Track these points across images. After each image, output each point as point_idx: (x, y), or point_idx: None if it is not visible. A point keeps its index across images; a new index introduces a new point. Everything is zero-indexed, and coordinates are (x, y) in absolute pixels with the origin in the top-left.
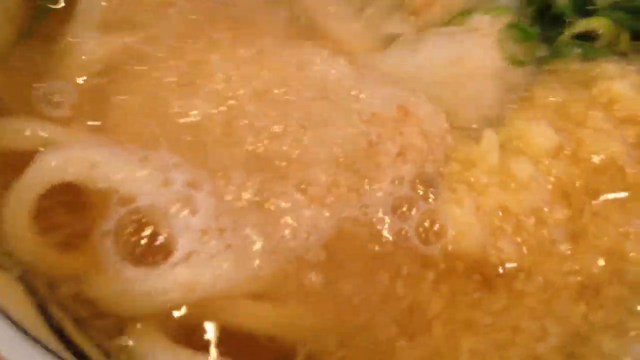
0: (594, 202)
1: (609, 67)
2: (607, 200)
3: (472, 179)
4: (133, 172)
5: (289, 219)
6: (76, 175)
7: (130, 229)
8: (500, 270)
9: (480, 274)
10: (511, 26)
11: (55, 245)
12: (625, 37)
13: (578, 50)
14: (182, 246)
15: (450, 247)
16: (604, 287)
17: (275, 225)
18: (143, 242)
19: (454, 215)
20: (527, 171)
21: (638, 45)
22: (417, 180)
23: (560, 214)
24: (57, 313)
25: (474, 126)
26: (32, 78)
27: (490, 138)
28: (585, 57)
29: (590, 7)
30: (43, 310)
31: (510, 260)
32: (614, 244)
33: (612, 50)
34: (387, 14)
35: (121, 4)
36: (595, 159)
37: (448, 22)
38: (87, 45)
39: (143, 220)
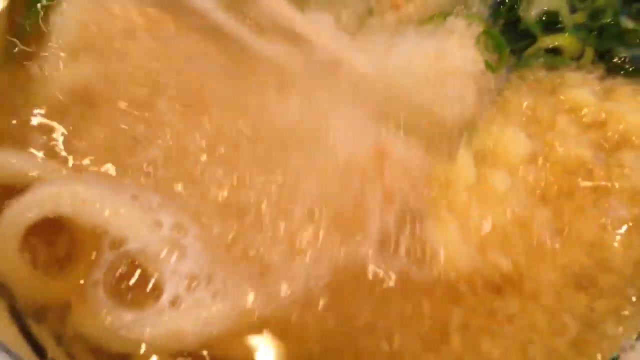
0: (570, 201)
1: (572, 75)
2: (582, 198)
3: (453, 199)
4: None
5: (276, 265)
6: (66, 209)
7: (119, 271)
8: (498, 280)
9: (482, 287)
10: (486, 33)
11: (45, 273)
12: (589, 54)
13: (542, 60)
14: (170, 291)
15: (445, 270)
16: (599, 276)
17: (263, 272)
18: (132, 284)
19: (441, 239)
20: (504, 182)
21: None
22: (403, 213)
23: (542, 216)
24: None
25: (451, 127)
26: (15, 106)
27: (464, 157)
28: (550, 67)
29: (557, 25)
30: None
31: (503, 268)
32: (595, 236)
33: (578, 64)
34: (362, 19)
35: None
36: (567, 161)
37: (424, 23)
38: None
39: (134, 263)
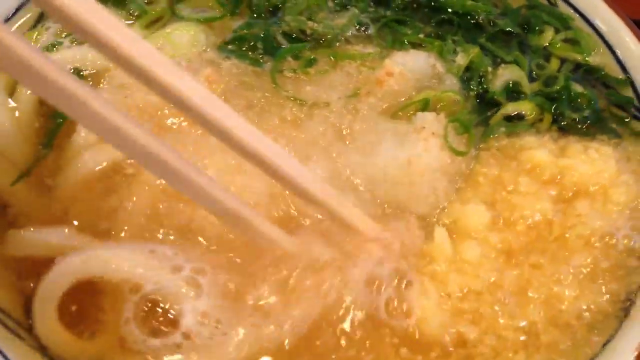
0: (531, 257)
1: (529, 139)
2: (542, 253)
3: (435, 270)
4: (142, 263)
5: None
6: (94, 272)
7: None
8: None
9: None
10: (453, 120)
11: (82, 335)
12: (547, 118)
13: (504, 129)
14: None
15: (413, 327)
16: (543, 332)
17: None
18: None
19: (420, 303)
20: (475, 252)
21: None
22: (395, 272)
23: (509, 275)
24: None
25: (428, 217)
26: (48, 188)
27: (440, 234)
28: (510, 133)
29: (519, 94)
30: None
31: (469, 337)
32: (550, 290)
33: (536, 128)
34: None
35: None
36: (528, 218)
37: (394, 114)
38: (88, 155)
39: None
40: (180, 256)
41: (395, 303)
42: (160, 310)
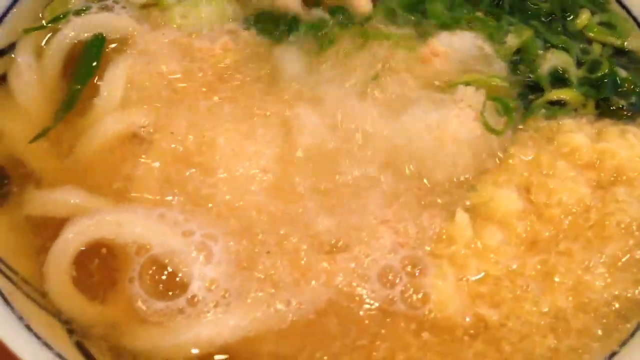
0: (561, 244)
1: (568, 122)
2: (575, 240)
3: (454, 253)
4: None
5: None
6: (105, 234)
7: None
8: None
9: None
10: (493, 98)
11: (95, 298)
12: (591, 104)
13: (544, 111)
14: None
15: (430, 312)
16: (572, 318)
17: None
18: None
19: (437, 287)
20: (496, 237)
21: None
22: (408, 259)
23: (531, 262)
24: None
25: (448, 186)
26: (67, 150)
27: (461, 217)
28: (549, 116)
29: (564, 80)
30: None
31: (489, 320)
32: (579, 277)
33: (578, 112)
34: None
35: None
36: (565, 203)
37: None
38: (109, 120)
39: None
40: (191, 222)
41: (411, 291)
42: (167, 274)
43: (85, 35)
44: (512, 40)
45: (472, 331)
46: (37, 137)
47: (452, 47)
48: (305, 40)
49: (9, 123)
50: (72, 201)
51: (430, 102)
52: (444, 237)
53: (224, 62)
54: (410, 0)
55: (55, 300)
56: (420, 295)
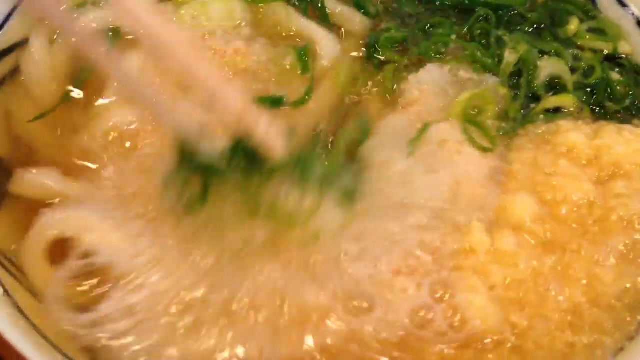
0: (573, 240)
1: (563, 122)
2: (582, 236)
3: (476, 264)
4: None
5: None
6: (72, 234)
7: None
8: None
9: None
10: (469, 122)
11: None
12: (587, 111)
13: (542, 116)
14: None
15: (473, 330)
16: (586, 312)
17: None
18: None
19: (472, 301)
20: (510, 242)
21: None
22: (433, 286)
23: (549, 261)
24: None
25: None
26: (66, 134)
27: (476, 227)
28: (547, 121)
29: (560, 86)
30: None
31: (518, 325)
32: (591, 272)
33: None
34: None
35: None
36: (572, 200)
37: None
38: (114, 112)
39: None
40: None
41: (450, 313)
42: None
43: (101, 26)
44: (510, 57)
45: (505, 335)
46: (37, 118)
47: (420, 83)
48: None
49: (17, 104)
50: (52, 186)
51: (422, 160)
52: (462, 249)
53: None
54: None
55: (36, 286)
56: (458, 317)
